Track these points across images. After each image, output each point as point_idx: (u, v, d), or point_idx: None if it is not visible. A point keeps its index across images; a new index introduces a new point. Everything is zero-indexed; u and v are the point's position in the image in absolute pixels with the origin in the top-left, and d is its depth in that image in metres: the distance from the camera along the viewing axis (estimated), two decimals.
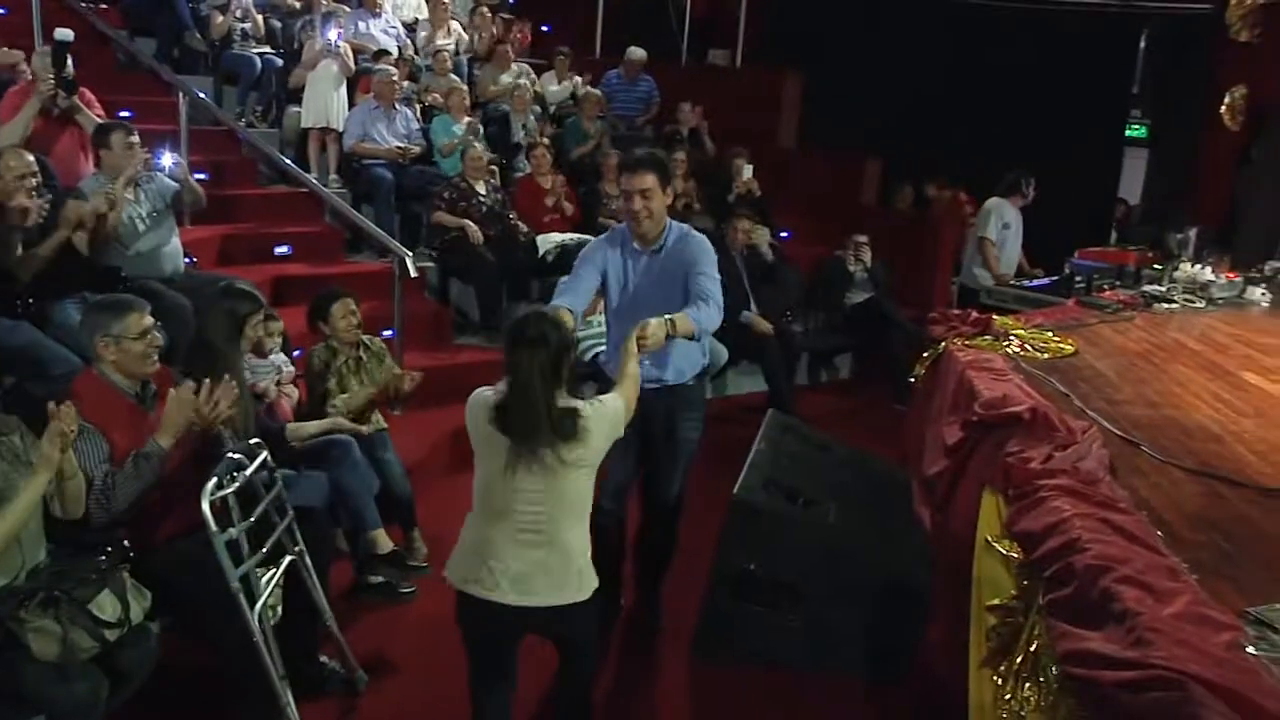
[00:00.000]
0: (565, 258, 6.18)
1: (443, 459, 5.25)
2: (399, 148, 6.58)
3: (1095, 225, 7.99)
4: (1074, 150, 8.13)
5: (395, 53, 7.45)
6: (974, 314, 4.40)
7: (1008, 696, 2.44)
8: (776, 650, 3.57)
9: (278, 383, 3.82)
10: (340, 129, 6.74)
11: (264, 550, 2.92)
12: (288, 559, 3.08)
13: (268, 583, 2.92)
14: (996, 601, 2.65)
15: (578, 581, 2.62)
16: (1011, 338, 4.24)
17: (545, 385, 2.52)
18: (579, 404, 2.60)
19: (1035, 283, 6.32)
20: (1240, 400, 3.61)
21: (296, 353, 5.22)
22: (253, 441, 3.07)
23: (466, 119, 6.86)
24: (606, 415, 2.63)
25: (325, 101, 6.73)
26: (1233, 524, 2.52)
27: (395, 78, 6.66)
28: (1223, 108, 6.88)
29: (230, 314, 3.51)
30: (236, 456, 2.93)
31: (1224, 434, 3.22)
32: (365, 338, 4.27)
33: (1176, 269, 5.84)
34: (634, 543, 3.80)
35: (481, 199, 6.23)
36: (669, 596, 3.88)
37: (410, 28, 8.22)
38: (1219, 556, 2.32)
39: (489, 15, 8.51)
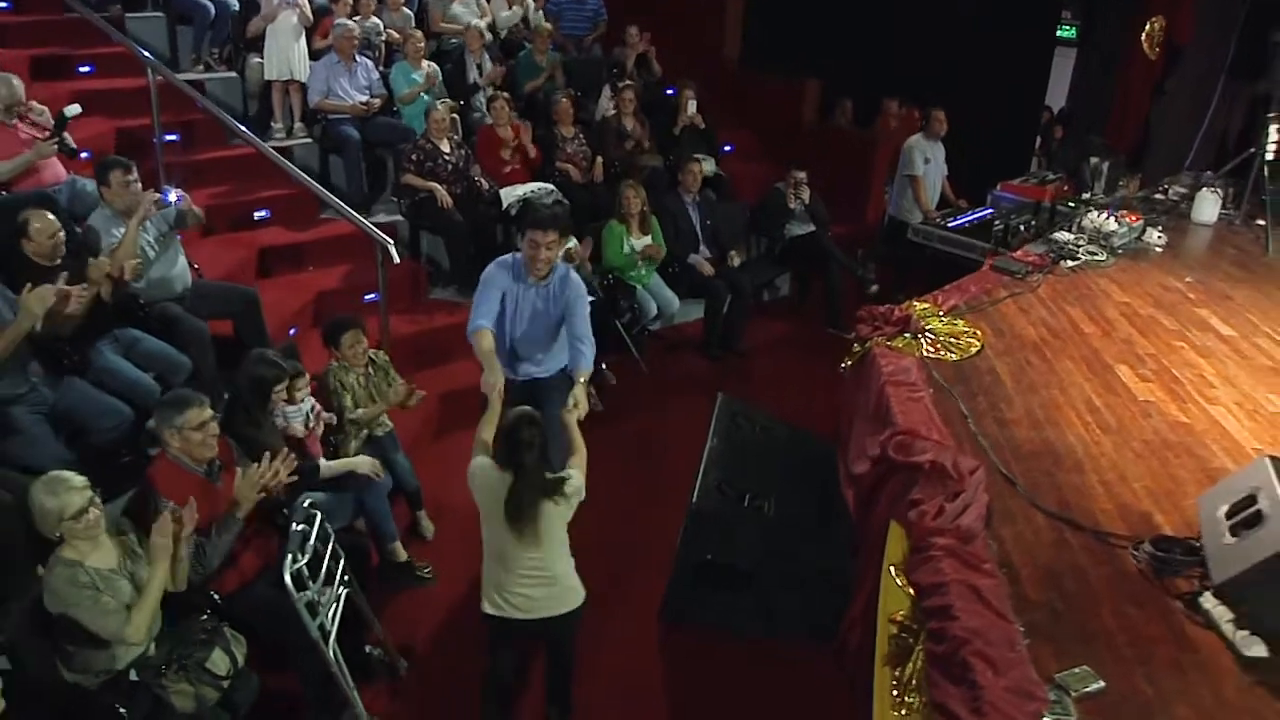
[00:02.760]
0: (526, 211, 6.79)
1: (431, 423, 6.06)
2: (363, 103, 7.01)
3: (1024, 129, 8.64)
4: (1007, 49, 8.65)
5: None
6: (896, 312, 5.21)
7: (898, 696, 3.46)
8: (730, 620, 4.58)
9: (308, 424, 4.56)
10: (303, 79, 7.10)
11: (322, 583, 3.79)
12: (344, 591, 3.97)
13: (330, 616, 3.82)
14: (897, 616, 3.63)
15: (571, 597, 3.70)
16: (927, 334, 5.10)
17: (541, 474, 3.54)
18: (565, 474, 3.64)
19: (958, 220, 7.09)
20: (1107, 410, 4.50)
21: (292, 332, 5.94)
22: (306, 504, 3.88)
23: (425, 65, 7.24)
24: (578, 484, 3.67)
25: (287, 54, 7.09)
26: (1069, 576, 3.43)
27: (354, 33, 6.97)
28: (1143, 36, 7.47)
29: (260, 380, 4.23)
30: (300, 528, 3.75)
31: (1085, 459, 4.10)
32: (371, 353, 4.99)
33: (1086, 214, 6.66)
34: None
35: (446, 158, 6.75)
36: (641, 577, 4.87)
37: None
38: (1050, 618, 3.24)
39: None
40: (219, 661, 3.53)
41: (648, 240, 6.67)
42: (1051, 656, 3.07)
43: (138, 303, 4.91)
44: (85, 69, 7.04)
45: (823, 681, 4.30)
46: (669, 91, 8.21)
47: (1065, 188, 7.23)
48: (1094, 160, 7.25)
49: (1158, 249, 6.56)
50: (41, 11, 7.15)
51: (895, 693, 3.41)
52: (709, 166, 7.56)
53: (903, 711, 3.35)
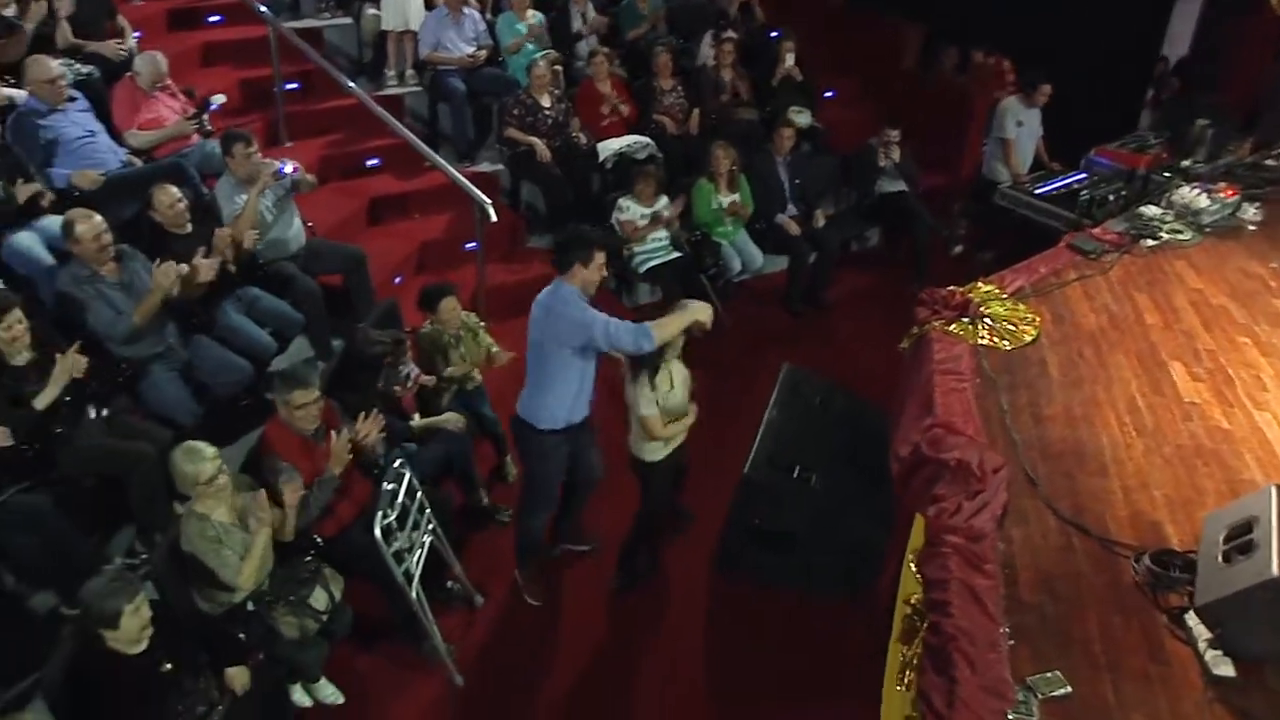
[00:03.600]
0: (622, 166, 7.23)
1: (519, 374, 6.61)
2: (469, 55, 7.45)
3: (1135, 82, 8.44)
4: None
5: None
6: (956, 296, 5.46)
7: (902, 673, 3.94)
8: (775, 575, 5.11)
9: (408, 385, 5.18)
10: (417, 29, 7.57)
11: (408, 532, 4.44)
12: (428, 538, 4.63)
13: (415, 561, 4.48)
14: (911, 599, 4.09)
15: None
16: (986, 319, 5.37)
17: None
18: None
19: (1047, 185, 7.15)
20: (1147, 411, 4.70)
21: (398, 280, 6.52)
22: (397, 464, 4.51)
23: (530, 15, 7.61)
24: None
25: (403, 5, 7.53)
26: (1065, 582, 3.78)
27: None
28: None
29: (373, 359, 4.86)
30: (390, 487, 4.39)
31: (1111, 462, 4.37)
32: (464, 315, 5.55)
33: (1178, 188, 6.63)
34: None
35: (546, 112, 7.17)
36: (702, 526, 5.40)
37: None
38: (1038, 621, 3.63)
39: None
40: (319, 598, 4.24)
41: (735, 198, 7.01)
42: (1030, 658, 3.44)
43: (257, 263, 5.57)
44: (215, 19, 7.65)
45: (849, 641, 4.81)
46: (773, 34, 8.34)
47: (1164, 154, 7.17)
48: (1199, 123, 7.14)
49: (1251, 227, 6.50)
50: None
51: (900, 669, 3.89)
52: (804, 119, 7.77)
53: (903, 688, 3.83)
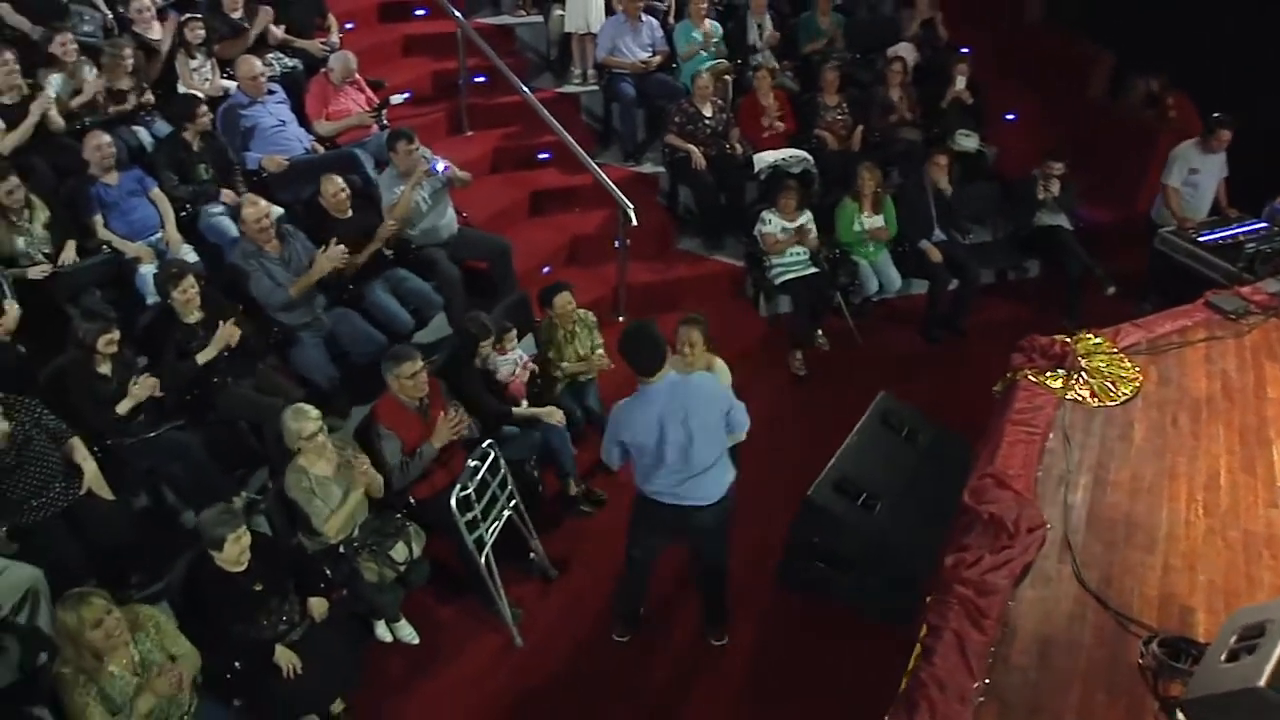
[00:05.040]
0: (775, 178, 7.59)
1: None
2: (641, 61, 8.00)
3: None
4: None
5: None
6: (1056, 345, 5.51)
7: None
8: (829, 591, 5.44)
9: (514, 372, 5.85)
10: (597, 32, 8.19)
11: (485, 505, 5.09)
12: (507, 513, 5.30)
13: (489, 531, 5.15)
14: (923, 635, 4.34)
15: None
16: (1083, 372, 5.40)
17: None
18: None
19: (1214, 233, 6.89)
20: (1226, 491, 4.63)
21: (546, 269, 7.20)
22: (485, 444, 5.18)
23: (706, 24, 8.07)
24: None
25: (585, 8, 8.18)
26: (1061, 650, 3.89)
27: None
28: None
29: (470, 337, 5.55)
30: (473, 464, 5.07)
31: (1163, 539, 4.37)
32: (580, 312, 6.15)
33: None
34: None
35: (706, 121, 7.62)
36: (765, 534, 5.77)
37: None
38: (1020, 684, 3.78)
39: None
40: (399, 551, 4.97)
41: (879, 221, 7.22)
42: (996, 717, 3.72)
43: (409, 247, 6.38)
44: (420, 12, 8.57)
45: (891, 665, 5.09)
46: (963, 50, 8.38)
47: None
48: None
49: None
50: None
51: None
52: (972, 143, 7.83)
53: None
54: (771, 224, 7.10)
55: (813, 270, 7.17)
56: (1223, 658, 3.47)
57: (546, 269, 7.33)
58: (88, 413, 4.79)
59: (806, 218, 7.15)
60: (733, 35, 8.39)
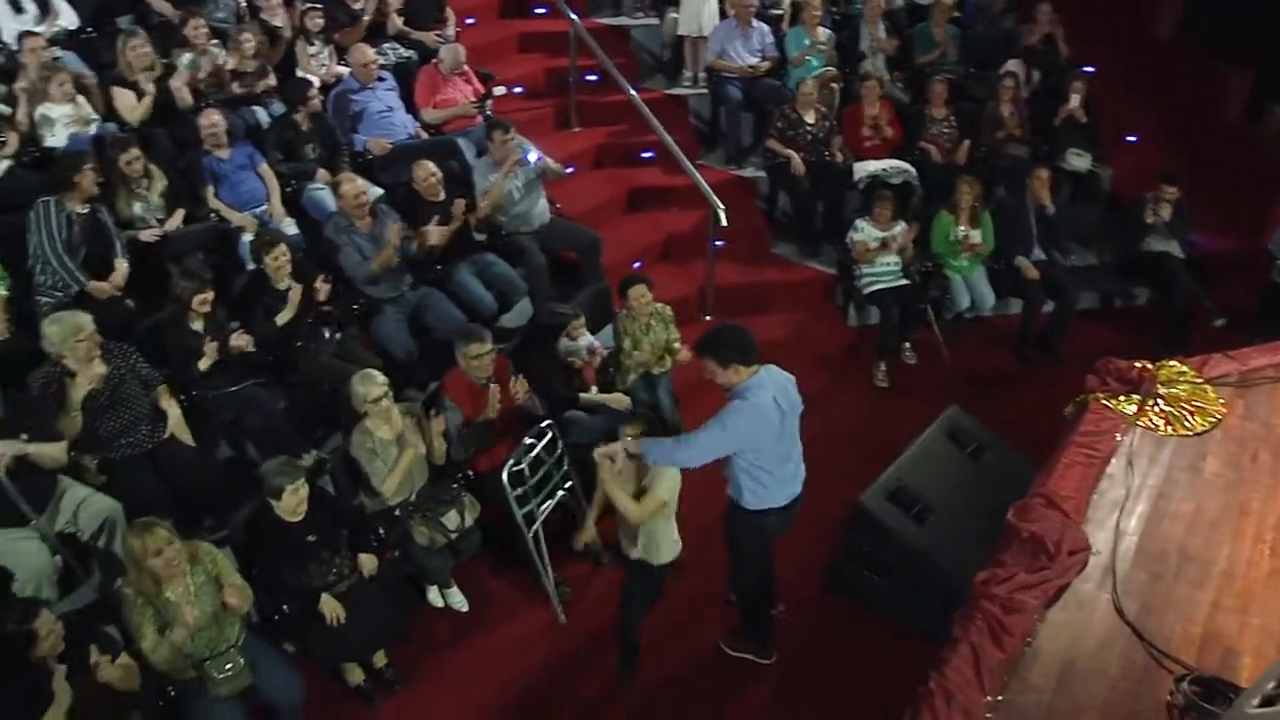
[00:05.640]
0: (874, 187, 7.59)
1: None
2: (750, 66, 8.13)
3: None
4: None
5: None
6: (1133, 370, 5.37)
7: None
8: (875, 601, 5.44)
9: (583, 357, 6.06)
10: (709, 36, 8.35)
11: (537, 483, 5.29)
12: (560, 493, 5.51)
13: (540, 507, 5.35)
14: None
15: None
16: (1160, 400, 5.25)
17: None
18: None
19: None
20: None
21: (637, 265, 7.39)
22: (544, 423, 5.41)
23: (819, 31, 8.14)
24: None
25: (698, 12, 8.37)
26: (1084, 677, 3.81)
27: (752, 1, 8.03)
28: None
29: (546, 326, 5.79)
30: (529, 441, 5.30)
31: (1219, 576, 4.18)
32: (657, 306, 6.31)
33: None
34: None
35: (808, 128, 7.69)
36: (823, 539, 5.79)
37: None
38: (1032, 706, 3.73)
39: None
40: (451, 518, 5.22)
41: (975, 235, 7.14)
42: None
43: (499, 233, 6.68)
44: (540, 11, 8.91)
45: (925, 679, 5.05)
46: (1086, 69, 8.20)
47: None
48: None
49: None
50: None
51: None
52: (1083, 163, 7.66)
53: None
54: (864, 232, 7.11)
55: (903, 282, 7.15)
56: (1256, 702, 3.37)
57: (637, 264, 7.52)
58: (177, 364, 5.22)
59: (900, 228, 7.14)
60: (845, 44, 8.43)
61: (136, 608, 4.14)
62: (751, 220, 8.02)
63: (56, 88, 5.93)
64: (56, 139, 5.95)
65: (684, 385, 6.61)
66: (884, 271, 7.16)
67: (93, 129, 6.01)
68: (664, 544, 4.71)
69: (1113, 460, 4.90)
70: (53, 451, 4.53)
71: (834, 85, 8.08)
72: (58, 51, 6.31)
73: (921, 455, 5.58)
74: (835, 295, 7.60)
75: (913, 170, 7.75)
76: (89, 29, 6.86)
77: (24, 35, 6.23)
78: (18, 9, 6.54)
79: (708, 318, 7.41)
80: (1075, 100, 7.76)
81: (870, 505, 5.30)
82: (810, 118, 7.71)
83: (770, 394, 4.33)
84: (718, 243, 7.39)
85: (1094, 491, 4.71)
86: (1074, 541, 4.40)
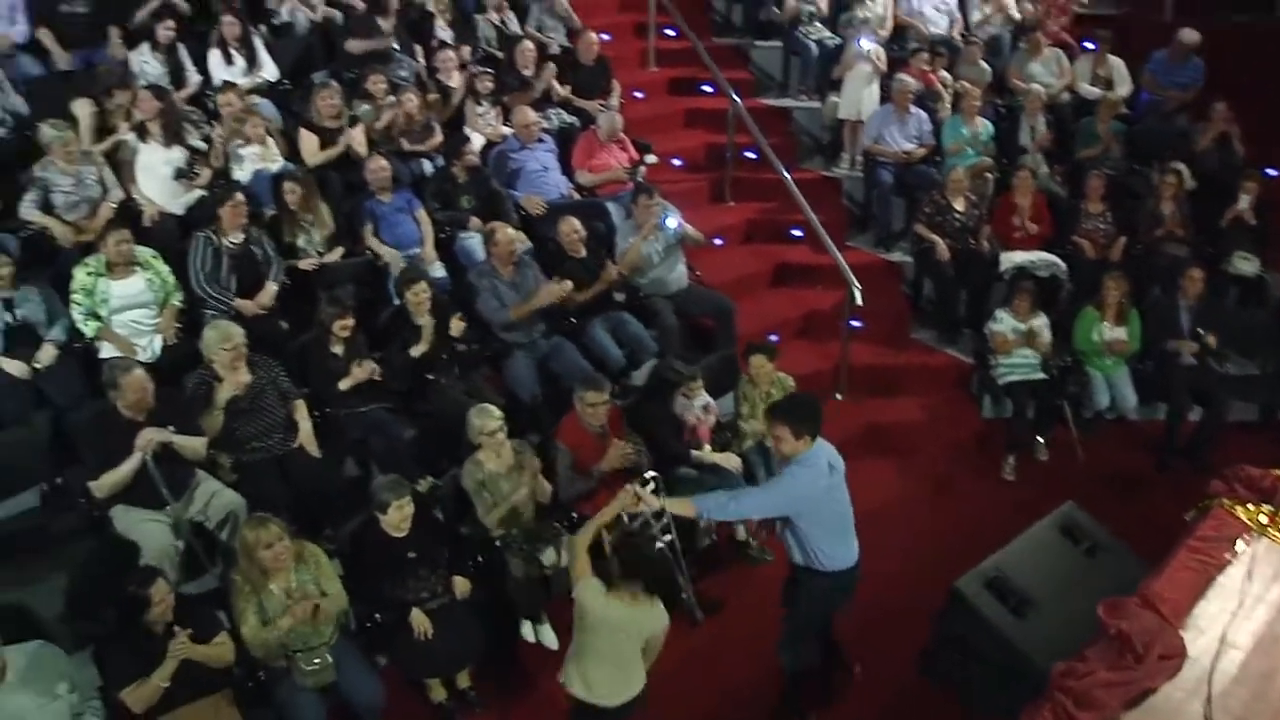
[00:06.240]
0: (1019, 278, 7.52)
1: (853, 448, 7.27)
2: (904, 152, 8.27)
3: None
4: None
5: (945, 30, 8.91)
6: (1267, 478, 5.11)
7: None
8: (964, 686, 5.27)
9: (698, 417, 6.24)
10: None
11: None
12: (658, 546, 5.66)
13: None
14: None
15: None
16: None
17: None
18: None
19: None
20: None
21: (774, 338, 7.55)
22: (649, 476, 5.61)
23: (977, 121, 8.22)
24: None
25: (858, 97, 8.60)
26: None
27: (910, 88, 8.21)
28: None
29: (664, 381, 6.03)
30: (631, 488, 5.49)
31: None
32: (778, 376, 6.45)
33: None
34: None
35: (957, 215, 7.74)
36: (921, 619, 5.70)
37: None
38: None
39: None
40: (549, 555, 5.45)
41: (1120, 333, 6.96)
42: None
43: (636, 294, 6.99)
44: (707, 89, 9.31)
45: None
46: (1269, 171, 7.92)
47: None
48: None
49: None
50: (699, 37, 9.37)
51: None
52: (1251, 267, 7.36)
53: None
54: (1002, 322, 7.05)
55: (1040, 376, 7.02)
56: None
57: (774, 337, 7.66)
58: (315, 382, 5.73)
59: (1041, 321, 7.04)
60: (1005, 134, 8.46)
61: (242, 595, 4.56)
62: (894, 304, 8.08)
63: (249, 129, 6.69)
64: (243, 174, 6.68)
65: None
66: (1021, 364, 7.05)
67: (275, 167, 6.70)
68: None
69: (1229, 569, 4.69)
70: (194, 445, 5.06)
71: (988, 175, 8.10)
72: (256, 99, 7.10)
73: (1029, 548, 5.46)
74: (971, 384, 7.53)
75: (1061, 264, 7.65)
76: (285, 81, 7.71)
77: (229, 84, 7.07)
78: (229, 60, 7.42)
79: (838, 396, 7.47)
80: (1245, 202, 7.49)
81: (966, 591, 5.23)
82: (959, 205, 7.75)
83: (824, 459, 4.59)
84: (854, 323, 7.49)
85: (1201, 598, 4.54)
86: (1167, 646, 4.25)
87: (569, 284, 6.52)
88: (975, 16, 9.55)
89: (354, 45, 7.90)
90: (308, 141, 7.02)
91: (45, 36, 7.29)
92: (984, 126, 8.32)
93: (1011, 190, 7.87)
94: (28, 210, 6.11)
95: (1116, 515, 5.86)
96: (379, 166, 6.73)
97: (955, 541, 6.01)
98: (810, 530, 4.60)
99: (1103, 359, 7.05)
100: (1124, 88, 8.93)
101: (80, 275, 5.65)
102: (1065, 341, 7.20)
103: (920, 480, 6.94)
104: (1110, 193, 7.85)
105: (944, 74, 8.75)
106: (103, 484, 4.82)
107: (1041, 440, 7.14)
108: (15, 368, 5.40)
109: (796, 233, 8.44)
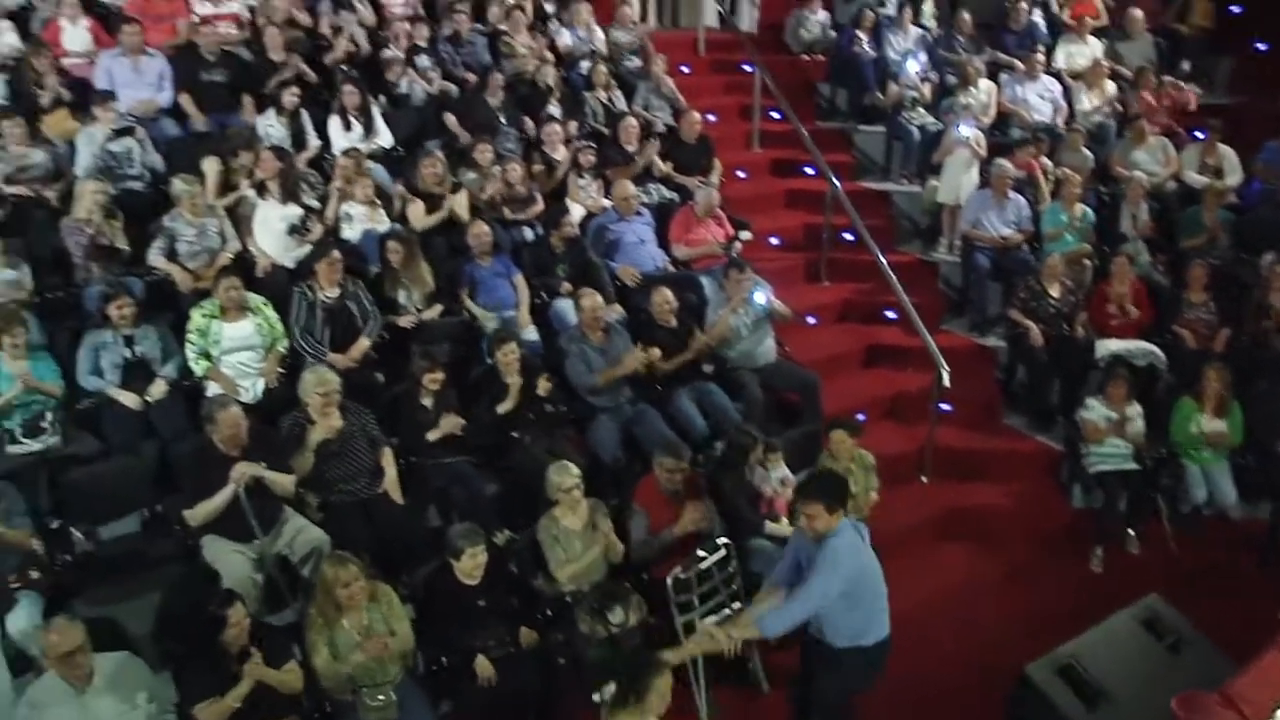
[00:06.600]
0: (1115, 366, 7.41)
1: (936, 531, 7.27)
2: (1001, 237, 8.31)
3: None
4: None
5: (1049, 117, 8.99)
6: None
7: None
8: None
9: (775, 489, 6.29)
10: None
11: (702, 595, 5.53)
12: (726, 610, 5.71)
13: (701, 620, 5.55)
14: None
15: None
16: None
17: None
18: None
19: None
20: None
21: (861, 417, 7.58)
22: (721, 542, 5.69)
23: (1077, 208, 8.21)
24: None
25: (957, 182, 8.71)
26: None
27: (1009, 173, 8.27)
28: None
29: (735, 445, 6.13)
30: (700, 554, 5.59)
31: None
32: (859, 452, 6.48)
33: None
34: None
35: (1052, 301, 7.71)
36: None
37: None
38: None
39: (1150, 79, 9.40)
40: (617, 614, 5.50)
41: (1220, 425, 6.79)
42: None
43: (724, 365, 7.12)
44: (809, 171, 9.50)
45: None
46: None
47: None
48: None
49: None
50: (803, 121, 9.63)
51: None
52: None
53: None
54: (1093, 410, 6.94)
55: (1133, 466, 6.88)
56: None
57: (861, 416, 7.68)
58: (404, 431, 6.00)
59: (1135, 410, 6.91)
60: (1106, 222, 8.42)
61: (316, 627, 4.79)
62: (986, 388, 8.05)
63: (359, 191, 7.15)
64: (352, 233, 7.14)
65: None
66: (1113, 453, 6.91)
67: (382, 228, 7.12)
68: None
69: None
70: (284, 482, 5.36)
71: (1086, 261, 8.07)
72: (370, 164, 7.56)
73: (1107, 638, 5.34)
74: (1061, 473, 7.41)
75: (1160, 353, 7.54)
76: (399, 149, 8.19)
77: (347, 150, 7.56)
78: (348, 127, 7.94)
79: (923, 479, 7.44)
80: None
81: (1037, 676, 5.14)
82: (1055, 291, 7.72)
83: (851, 529, 4.65)
84: (943, 405, 7.48)
85: None
86: None
87: (656, 351, 6.72)
88: (1083, 105, 9.60)
89: (451, 120, 8.45)
90: (413, 205, 7.44)
91: (186, 102, 7.97)
92: (1084, 213, 8.31)
93: (1110, 277, 7.82)
94: (154, 257, 6.64)
95: (1208, 613, 5.71)
96: (481, 232, 7.08)
97: (1033, 627, 5.94)
98: (853, 604, 4.59)
99: (1201, 452, 6.88)
100: (1234, 177, 8.83)
101: (196, 316, 6.13)
102: (1161, 433, 7.05)
103: (1002, 565, 6.84)
104: (1215, 282, 7.73)
105: (1045, 160, 8.78)
106: (197, 513, 5.16)
107: (1133, 533, 6.97)
108: (129, 400, 5.87)
109: (890, 314, 8.48)
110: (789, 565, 4.80)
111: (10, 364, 5.68)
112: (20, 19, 8.40)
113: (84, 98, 7.58)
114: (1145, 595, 5.95)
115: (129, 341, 6.02)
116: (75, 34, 8.20)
